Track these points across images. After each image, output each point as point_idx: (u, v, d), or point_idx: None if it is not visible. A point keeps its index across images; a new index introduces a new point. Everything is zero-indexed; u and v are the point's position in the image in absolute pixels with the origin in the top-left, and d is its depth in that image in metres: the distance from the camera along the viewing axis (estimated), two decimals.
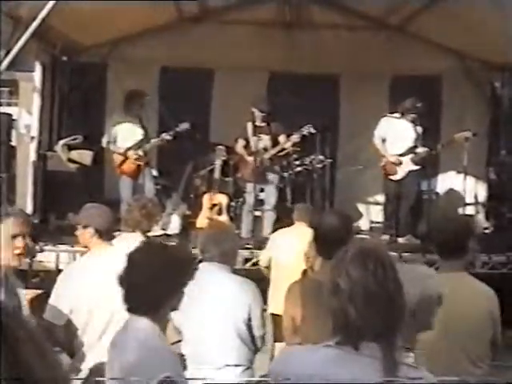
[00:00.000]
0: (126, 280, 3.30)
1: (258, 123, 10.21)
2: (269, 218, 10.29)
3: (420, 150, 10.19)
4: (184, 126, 10.10)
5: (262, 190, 10.38)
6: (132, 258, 3.35)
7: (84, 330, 4.93)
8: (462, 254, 4.45)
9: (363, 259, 2.55)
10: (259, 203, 10.33)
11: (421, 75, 12.11)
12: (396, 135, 10.22)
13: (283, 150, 10.31)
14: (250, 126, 10.27)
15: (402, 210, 10.34)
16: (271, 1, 11.81)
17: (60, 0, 8.13)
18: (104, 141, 10.26)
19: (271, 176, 10.34)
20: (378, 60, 12.10)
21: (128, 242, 6.13)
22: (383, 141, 10.30)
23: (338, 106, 12.78)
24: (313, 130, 10.09)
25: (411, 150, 10.20)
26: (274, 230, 10.11)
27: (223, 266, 5.06)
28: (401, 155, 10.19)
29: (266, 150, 10.22)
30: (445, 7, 9.96)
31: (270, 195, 10.33)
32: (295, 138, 10.09)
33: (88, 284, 4.95)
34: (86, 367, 4.88)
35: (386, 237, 10.46)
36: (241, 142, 10.35)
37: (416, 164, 10.22)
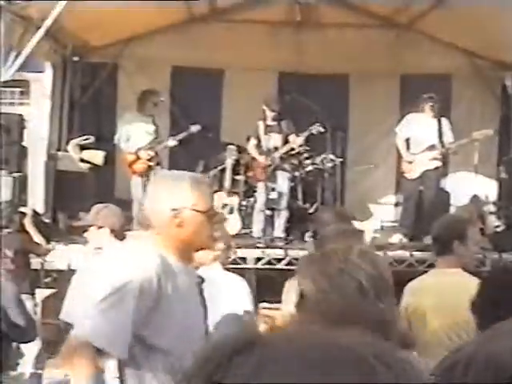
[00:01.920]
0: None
1: (268, 122, 10.24)
2: (280, 217, 10.31)
3: (438, 147, 10.20)
4: (194, 128, 10.17)
5: (273, 190, 10.40)
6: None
7: None
8: (450, 251, 4.57)
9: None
10: (270, 202, 10.34)
11: (430, 74, 12.08)
12: (419, 133, 10.23)
13: (293, 149, 10.35)
14: (261, 124, 10.30)
15: (420, 209, 10.36)
16: (281, 0, 11.82)
17: (69, 0, 8.18)
18: (116, 139, 10.30)
19: (282, 175, 10.37)
20: (388, 59, 12.10)
21: (142, 241, 6.17)
22: (407, 140, 10.32)
23: (348, 105, 12.78)
24: (321, 129, 10.13)
25: (430, 148, 10.20)
26: (286, 230, 10.21)
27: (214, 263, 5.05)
28: (418, 154, 10.21)
29: (276, 148, 10.25)
30: (454, 5, 9.95)
31: (281, 194, 10.35)
32: (303, 136, 10.14)
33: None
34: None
35: (398, 236, 10.47)
36: (252, 141, 10.38)
37: (438, 161, 10.25)
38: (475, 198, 10.63)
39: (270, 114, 10.18)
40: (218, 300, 4.88)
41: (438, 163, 10.36)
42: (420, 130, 10.24)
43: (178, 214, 3.18)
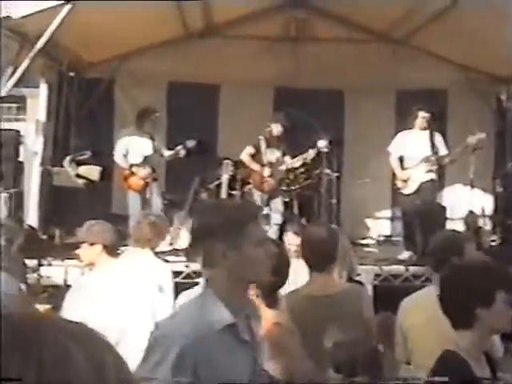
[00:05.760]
0: None
1: (272, 138, 10.39)
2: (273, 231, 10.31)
3: (432, 158, 10.05)
4: (190, 143, 10.17)
5: (267, 204, 10.40)
6: None
7: None
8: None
9: None
10: (265, 217, 10.33)
11: (426, 89, 12.10)
12: (412, 149, 10.05)
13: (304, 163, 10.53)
14: (263, 139, 10.42)
15: (418, 223, 10.19)
16: (276, 15, 11.86)
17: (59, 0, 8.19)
18: (115, 155, 10.29)
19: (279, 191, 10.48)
20: (383, 74, 12.12)
21: (136, 257, 6.19)
22: (400, 158, 10.15)
23: (344, 119, 12.81)
24: (328, 145, 10.23)
25: (425, 160, 10.01)
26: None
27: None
28: (413, 167, 10.07)
29: (276, 163, 10.40)
30: (449, 20, 9.99)
31: (276, 209, 10.37)
32: (314, 151, 10.30)
33: (100, 302, 4.93)
34: None
35: (407, 252, 10.20)
36: (249, 149, 10.48)
37: (433, 173, 10.12)
38: (471, 214, 10.53)
39: (277, 130, 10.34)
40: None
41: (433, 175, 10.17)
42: (412, 147, 10.03)
43: None
